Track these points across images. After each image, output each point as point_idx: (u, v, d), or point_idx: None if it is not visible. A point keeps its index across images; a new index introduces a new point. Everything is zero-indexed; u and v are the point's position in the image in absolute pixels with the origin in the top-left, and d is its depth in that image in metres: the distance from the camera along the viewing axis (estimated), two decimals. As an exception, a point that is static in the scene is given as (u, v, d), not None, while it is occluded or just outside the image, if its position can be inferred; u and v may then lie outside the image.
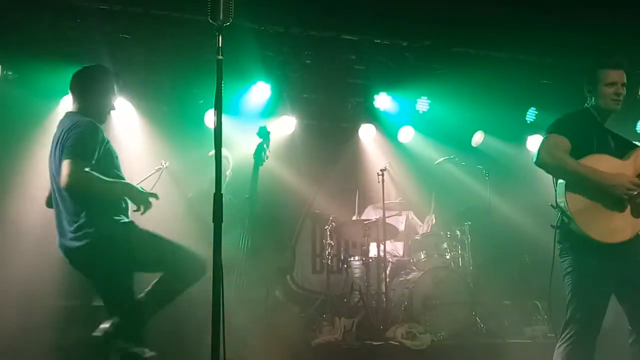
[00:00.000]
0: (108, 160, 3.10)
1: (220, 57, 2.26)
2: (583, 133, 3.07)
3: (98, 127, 3.09)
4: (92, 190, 2.95)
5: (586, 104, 3.24)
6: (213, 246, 2.18)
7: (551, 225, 3.14)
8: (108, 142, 3.15)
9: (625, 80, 3.14)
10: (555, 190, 3.10)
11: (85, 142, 2.96)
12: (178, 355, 3.60)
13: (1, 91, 4.89)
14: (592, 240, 2.92)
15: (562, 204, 3.02)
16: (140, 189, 3.08)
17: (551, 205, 3.15)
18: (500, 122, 6.35)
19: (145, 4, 4.87)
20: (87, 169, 2.89)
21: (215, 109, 2.26)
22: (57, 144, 3.04)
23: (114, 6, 4.85)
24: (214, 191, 2.23)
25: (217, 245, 2.18)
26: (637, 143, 3.25)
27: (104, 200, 3.02)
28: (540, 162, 3.01)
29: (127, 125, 5.39)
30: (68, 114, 3.19)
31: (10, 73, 4.94)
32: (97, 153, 2.99)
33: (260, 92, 5.68)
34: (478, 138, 6.49)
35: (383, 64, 5.73)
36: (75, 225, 2.97)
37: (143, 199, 3.03)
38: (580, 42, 5.10)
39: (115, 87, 3.27)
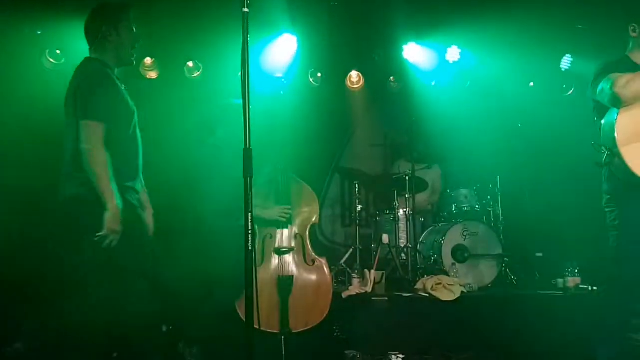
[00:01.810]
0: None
1: (245, 9, 2.19)
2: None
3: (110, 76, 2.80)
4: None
5: (626, 52, 3.13)
6: (244, 200, 2.19)
7: (596, 163, 3.07)
8: (134, 113, 2.86)
9: None
10: (601, 129, 3.03)
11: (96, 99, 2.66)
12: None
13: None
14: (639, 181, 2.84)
15: (607, 140, 2.95)
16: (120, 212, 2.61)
17: (593, 144, 3.09)
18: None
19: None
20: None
21: (242, 64, 2.21)
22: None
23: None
24: (243, 146, 2.23)
25: (247, 200, 2.20)
26: None
27: None
28: (622, 99, 2.90)
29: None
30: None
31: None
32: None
33: (286, 44, 5.59)
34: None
35: (410, 11, 5.51)
36: None
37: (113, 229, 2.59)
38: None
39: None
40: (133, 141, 2.85)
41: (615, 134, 2.89)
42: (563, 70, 6.07)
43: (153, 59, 5.60)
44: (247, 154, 2.23)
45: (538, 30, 5.65)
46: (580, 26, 5.80)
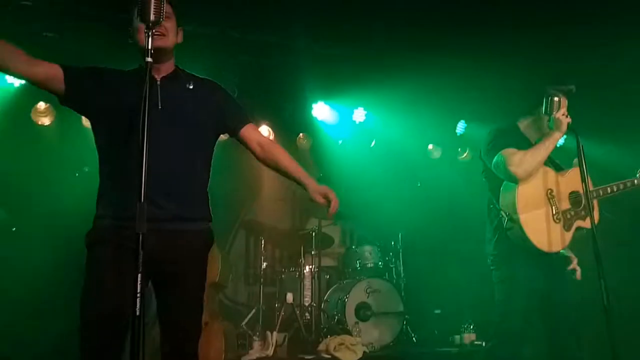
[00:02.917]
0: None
1: (149, 59, 2.10)
2: (520, 146, 3.14)
3: None
4: None
5: (517, 121, 3.35)
6: (136, 258, 2.03)
7: (494, 228, 3.16)
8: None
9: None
10: (499, 194, 3.15)
11: None
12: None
13: None
14: (533, 248, 3.00)
15: (507, 207, 3.07)
16: None
17: (491, 207, 3.22)
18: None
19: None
20: None
21: (142, 114, 2.08)
22: None
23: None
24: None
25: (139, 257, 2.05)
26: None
27: None
28: (517, 177, 3.03)
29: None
30: None
31: None
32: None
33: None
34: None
35: (321, 73, 5.68)
36: None
37: None
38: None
39: None
40: None
41: (516, 201, 3.02)
42: (458, 134, 6.46)
43: (48, 104, 5.30)
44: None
45: (435, 97, 6.01)
46: (474, 93, 6.26)
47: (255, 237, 6.22)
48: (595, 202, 3.27)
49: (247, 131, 2.56)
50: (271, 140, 2.60)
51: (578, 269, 3.16)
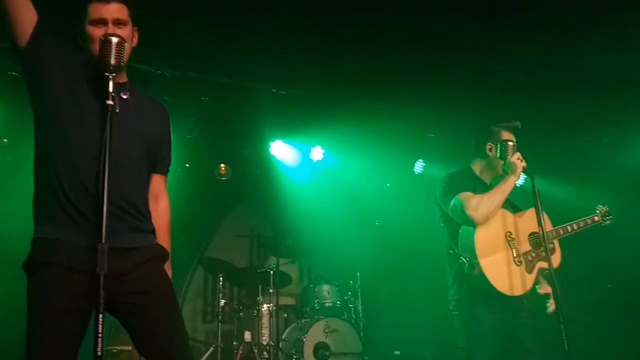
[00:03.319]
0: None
1: (110, 102, 2.09)
2: (475, 190, 3.20)
3: None
4: None
5: (469, 164, 3.45)
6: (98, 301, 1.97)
7: (454, 274, 3.18)
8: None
9: (515, 141, 3.30)
10: (457, 239, 3.16)
11: None
12: None
13: None
14: (495, 292, 2.98)
15: (466, 251, 3.07)
16: None
17: (450, 252, 3.23)
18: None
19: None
20: None
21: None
22: None
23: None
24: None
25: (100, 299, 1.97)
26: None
27: None
28: (475, 221, 3.05)
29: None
30: None
31: None
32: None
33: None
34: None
35: (278, 112, 5.76)
36: None
37: None
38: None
39: None
40: None
41: (475, 246, 3.02)
42: (417, 173, 6.59)
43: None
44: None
45: (393, 136, 6.16)
46: (431, 135, 6.45)
47: (214, 274, 6.14)
48: (555, 242, 3.29)
49: (156, 180, 2.41)
50: (166, 204, 2.46)
51: (552, 303, 3.12)
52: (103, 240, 1.88)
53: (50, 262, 2.01)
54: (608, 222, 3.59)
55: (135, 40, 2.32)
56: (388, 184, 6.73)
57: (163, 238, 2.36)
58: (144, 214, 2.25)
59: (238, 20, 4.43)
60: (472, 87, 5.30)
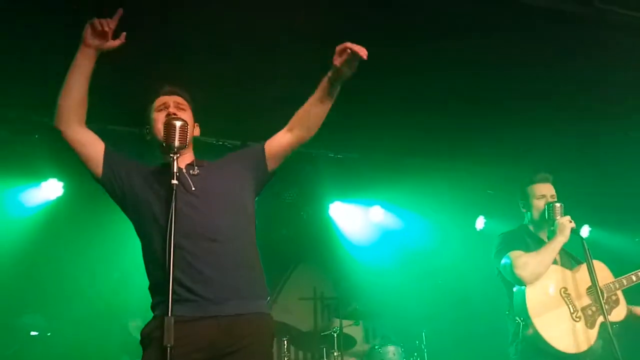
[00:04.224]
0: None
1: (174, 181, 2.23)
2: (529, 247, 3.21)
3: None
4: None
5: (524, 222, 3.45)
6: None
7: (512, 336, 3.13)
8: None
9: (554, 192, 3.36)
10: (513, 297, 3.14)
11: None
12: None
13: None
14: (554, 351, 2.93)
15: (519, 312, 3.05)
16: None
17: (507, 313, 3.20)
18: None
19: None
20: None
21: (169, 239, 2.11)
22: None
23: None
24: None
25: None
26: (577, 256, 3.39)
27: None
28: (524, 280, 3.05)
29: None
30: None
31: None
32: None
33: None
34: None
35: (337, 175, 5.89)
36: None
37: None
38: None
39: None
40: None
41: (527, 306, 3.00)
42: (478, 230, 6.51)
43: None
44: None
45: (453, 194, 6.16)
46: (489, 191, 6.40)
47: (278, 337, 6.18)
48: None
49: (270, 144, 2.43)
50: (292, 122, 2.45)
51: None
52: (170, 313, 1.99)
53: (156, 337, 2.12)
54: None
55: (197, 131, 2.51)
56: (440, 281, 6.49)
57: (311, 101, 2.38)
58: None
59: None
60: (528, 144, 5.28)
